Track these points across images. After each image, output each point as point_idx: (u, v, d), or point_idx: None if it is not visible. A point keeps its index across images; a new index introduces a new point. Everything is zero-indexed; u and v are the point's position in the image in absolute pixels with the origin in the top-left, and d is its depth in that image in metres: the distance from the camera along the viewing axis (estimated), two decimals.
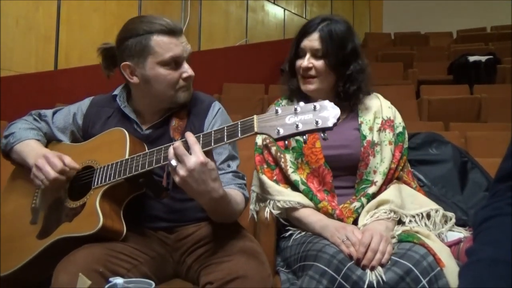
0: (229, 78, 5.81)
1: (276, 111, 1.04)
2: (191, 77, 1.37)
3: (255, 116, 1.07)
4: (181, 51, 1.34)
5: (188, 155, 1.08)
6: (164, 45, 1.32)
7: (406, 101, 4.35)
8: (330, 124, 0.99)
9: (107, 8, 4.34)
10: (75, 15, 4.04)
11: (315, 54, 1.48)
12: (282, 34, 7.43)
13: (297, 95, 1.56)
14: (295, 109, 1.02)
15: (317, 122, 0.99)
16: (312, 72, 1.49)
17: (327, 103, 1.01)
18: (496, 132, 3.12)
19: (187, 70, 1.35)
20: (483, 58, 5.63)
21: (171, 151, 1.10)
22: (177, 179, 1.10)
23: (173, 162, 1.09)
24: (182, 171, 1.08)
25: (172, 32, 1.33)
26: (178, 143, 1.11)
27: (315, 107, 1.01)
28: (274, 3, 7.26)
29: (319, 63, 1.48)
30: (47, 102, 3.43)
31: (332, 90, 1.53)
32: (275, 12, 7.33)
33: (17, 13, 3.56)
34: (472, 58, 5.67)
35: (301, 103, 1.03)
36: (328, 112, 1.00)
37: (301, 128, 1.00)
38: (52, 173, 1.28)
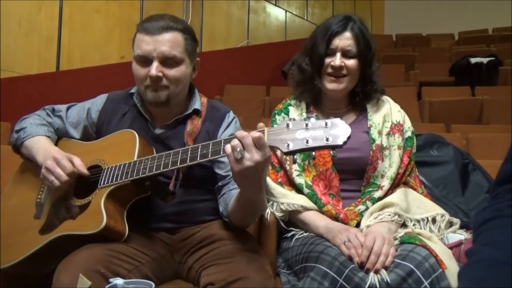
0: (231, 80, 5.82)
1: (287, 125, 1.04)
2: (152, 77, 1.33)
3: (266, 129, 1.07)
4: (150, 49, 1.33)
5: (255, 147, 1.05)
6: (137, 42, 1.37)
7: (408, 102, 4.35)
8: (340, 142, 0.99)
9: (109, 9, 4.35)
10: (77, 16, 4.05)
11: (346, 54, 1.48)
12: (284, 35, 7.44)
13: (315, 95, 1.55)
14: (306, 125, 1.03)
15: (327, 139, 1.00)
16: (343, 72, 1.48)
17: (338, 121, 1.02)
18: (497, 134, 3.12)
19: (152, 69, 1.33)
20: (485, 60, 5.62)
21: (235, 141, 1.06)
22: (239, 168, 1.06)
23: (239, 153, 1.05)
24: (249, 162, 1.05)
25: (147, 30, 1.34)
26: (242, 133, 1.07)
27: (326, 124, 1.01)
28: (275, 4, 7.27)
29: (351, 63, 1.47)
30: (49, 103, 3.40)
31: (352, 89, 1.54)
32: (277, 13, 7.34)
33: (19, 15, 3.57)
34: (473, 60, 5.67)
35: (312, 119, 1.04)
36: (339, 130, 1.00)
37: (311, 144, 1.01)
38: (64, 176, 1.29)
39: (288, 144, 1.02)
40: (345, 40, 1.47)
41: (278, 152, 1.52)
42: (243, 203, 1.25)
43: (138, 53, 1.35)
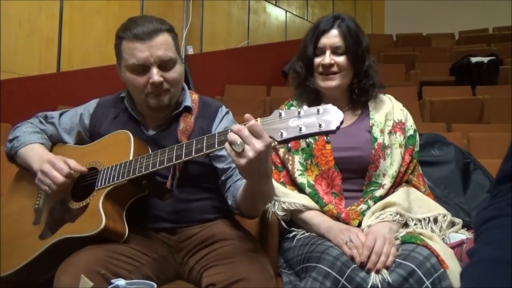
0: (231, 80, 5.82)
1: (280, 114, 1.04)
2: (155, 84, 1.31)
3: (259, 119, 1.06)
4: (146, 56, 1.30)
5: (254, 137, 1.03)
6: (129, 51, 1.31)
7: (408, 102, 4.30)
8: (333, 127, 0.99)
9: (109, 10, 4.35)
10: (77, 17, 4.05)
11: (335, 51, 1.49)
12: (284, 36, 7.44)
13: (311, 95, 1.55)
14: (299, 112, 1.02)
15: (320, 125, 0.99)
16: (334, 69, 1.49)
17: (330, 107, 1.01)
18: (498, 133, 3.12)
19: (153, 76, 1.30)
20: (485, 59, 5.62)
21: (232, 135, 1.04)
22: (242, 161, 1.04)
23: (240, 146, 1.03)
24: (251, 153, 1.02)
25: (138, 37, 1.30)
26: (238, 126, 1.05)
27: (318, 110, 1.01)
28: (275, 5, 7.27)
29: (341, 59, 1.48)
30: (49, 104, 3.44)
31: (348, 87, 1.55)
32: (277, 14, 7.34)
33: (20, 16, 3.57)
34: (474, 59, 5.66)
35: (305, 107, 1.03)
36: (331, 115, 1.00)
37: (304, 131, 1.00)
38: (60, 178, 1.29)
39: (282, 133, 1.01)
40: (332, 38, 1.49)
41: (281, 152, 1.52)
42: (252, 195, 1.23)
43: (133, 62, 1.31)
